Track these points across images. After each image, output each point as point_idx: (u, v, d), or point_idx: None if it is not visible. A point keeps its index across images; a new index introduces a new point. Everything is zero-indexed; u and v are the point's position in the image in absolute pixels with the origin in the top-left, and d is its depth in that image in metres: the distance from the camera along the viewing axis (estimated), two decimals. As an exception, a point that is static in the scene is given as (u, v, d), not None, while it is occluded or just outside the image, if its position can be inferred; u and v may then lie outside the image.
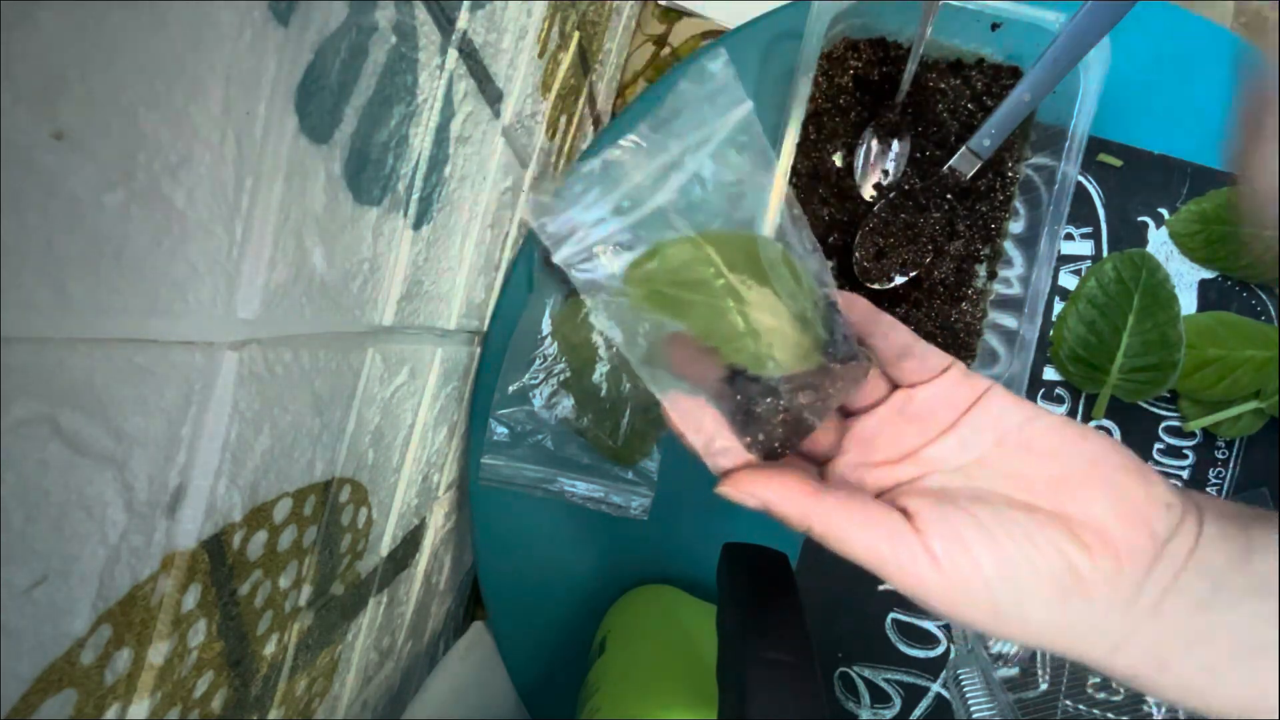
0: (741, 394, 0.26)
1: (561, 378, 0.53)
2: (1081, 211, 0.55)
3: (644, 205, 0.25)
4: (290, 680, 0.36)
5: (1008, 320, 0.51)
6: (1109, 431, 0.55)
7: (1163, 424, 0.55)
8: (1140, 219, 0.55)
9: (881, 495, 0.28)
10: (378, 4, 0.27)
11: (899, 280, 0.50)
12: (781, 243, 0.27)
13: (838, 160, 0.52)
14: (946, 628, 0.56)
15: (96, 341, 0.19)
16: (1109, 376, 0.52)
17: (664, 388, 0.27)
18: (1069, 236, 0.55)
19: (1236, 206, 0.52)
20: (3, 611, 0.18)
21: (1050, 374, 0.55)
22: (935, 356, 0.29)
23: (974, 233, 0.52)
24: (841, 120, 0.51)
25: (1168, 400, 0.55)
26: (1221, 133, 0.54)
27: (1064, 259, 0.55)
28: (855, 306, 0.28)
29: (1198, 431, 0.55)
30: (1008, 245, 0.52)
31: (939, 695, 0.56)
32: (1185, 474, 0.55)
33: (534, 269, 0.55)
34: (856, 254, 0.50)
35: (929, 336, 0.49)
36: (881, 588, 0.55)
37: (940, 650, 0.56)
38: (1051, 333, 0.54)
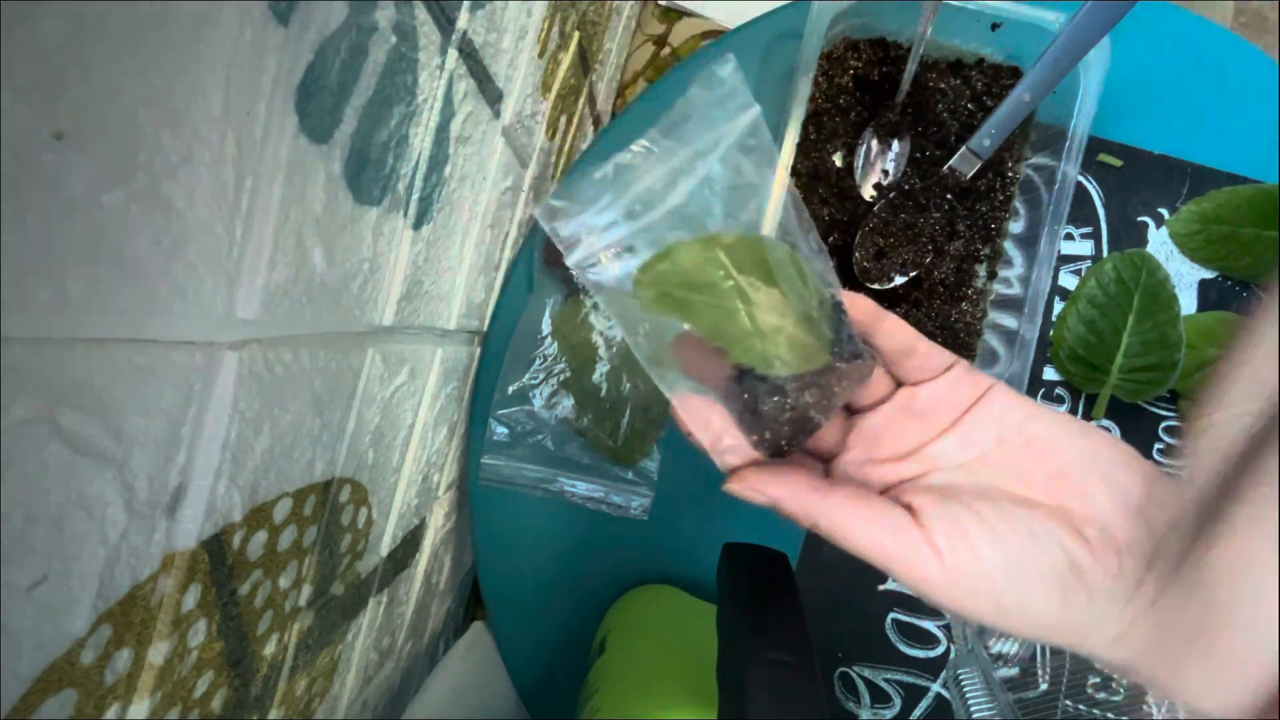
0: (749, 393, 0.27)
1: (561, 378, 0.53)
2: (1081, 211, 0.55)
3: (654, 209, 0.26)
4: (290, 680, 0.36)
5: (1008, 320, 0.51)
6: (1109, 431, 0.55)
7: (1163, 424, 0.55)
8: (1140, 219, 0.55)
9: (886, 492, 0.28)
10: (378, 4, 0.27)
11: (899, 280, 0.50)
12: (788, 244, 0.27)
13: (838, 160, 0.52)
14: (947, 628, 0.56)
15: (96, 341, 0.19)
16: (1109, 376, 0.52)
17: (673, 387, 0.27)
18: (1069, 236, 0.55)
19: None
20: (3, 611, 0.18)
21: (1050, 374, 0.55)
22: (938, 355, 0.29)
23: (974, 233, 0.52)
24: (841, 120, 0.51)
25: (1168, 400, 0.55)
26: (1221, 133, 0.54)
27: (1064, 259, 0.55)
28: (859, 306, 0.28)
29: (1198, 431, 0.55)
30: (1008, 245, 0.52)
31: (939, 695, 0.56)
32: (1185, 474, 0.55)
33: (534, 269, 0.55)
34: (856, 254, 0.50)
35: (929, 336, 0.49)
36: (881, 587, 0.55)
37: (940, 650, 0.56)
38: (1051, 333, 0.54)
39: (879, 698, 0.56)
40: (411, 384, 0.43)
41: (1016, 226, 0.52)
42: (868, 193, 0.52)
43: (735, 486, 0.27)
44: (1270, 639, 0.20)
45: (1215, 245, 0.53)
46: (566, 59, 0.58)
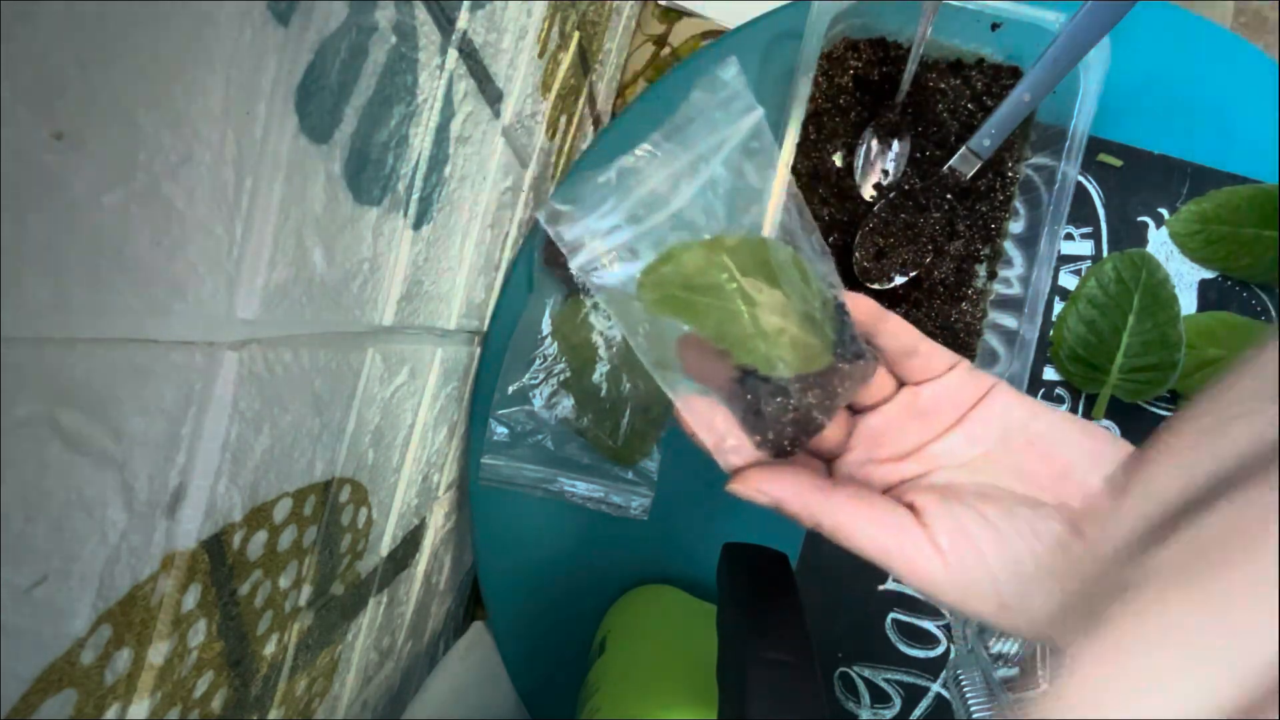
0: (752, 394, 0.27)
1: (561, 378, 0.53)
2: (1081, 211, 0.55)
3: (658, 212, 0.26)
4: (290, 680, 0.36)
5: (1008, 320, 0.51)
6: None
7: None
8: (1140, 219, 0.55)
9: (888, 491, 0.28)
10: (378, 4, 0.27)
11: (899, 280, 0.50)
12: (791, 246, 0.27)
13: (838, 160, 0.52)
14: (946, 628, 0.56)
15: (96, 341, 0.19)
16: (1109, 376, 0.52)
17: (676, 388, 0.28)
18: (1069, 236, 0.55)
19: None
20: (3, 611, 0.18)
21: (1050, 374, 0.55)
22: (941, 355, 0.29)
23: (974, 233, 0.52)
24: (841, 120, 0.51)
25: (1168, 400, 0.55)
26: (1221, 133, 0.54)
27: (1064, 259, 0.55)
28: (862, 307, 0.29)
29: (1198, 431, 0.55)
30: (1008, 245, 0.52)
31: (939, 695, 0.56)
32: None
33: (534, 269, 0.55)
34: (856, 254, 0.50)
35: (929, 336, 0.49)
36: (881, 587, 0.55)
37: (940, 650, 0.56)
38: (1051, 333, 0.54)
39: (879, 698, 0.56)
40: (411, 384, 0.43)
41: (1016, 226, 0.52)
42: (868, 193, 0.52)
43: (738, 487, 0.27)
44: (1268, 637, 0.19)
45: (1215, 245, 0.53)
46: (566, 59, 0.58)
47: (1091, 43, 0.44)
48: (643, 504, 0.54)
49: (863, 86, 0.51)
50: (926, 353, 0.29)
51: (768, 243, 0.26)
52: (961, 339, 0.52)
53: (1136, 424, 0.55)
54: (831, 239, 0.52)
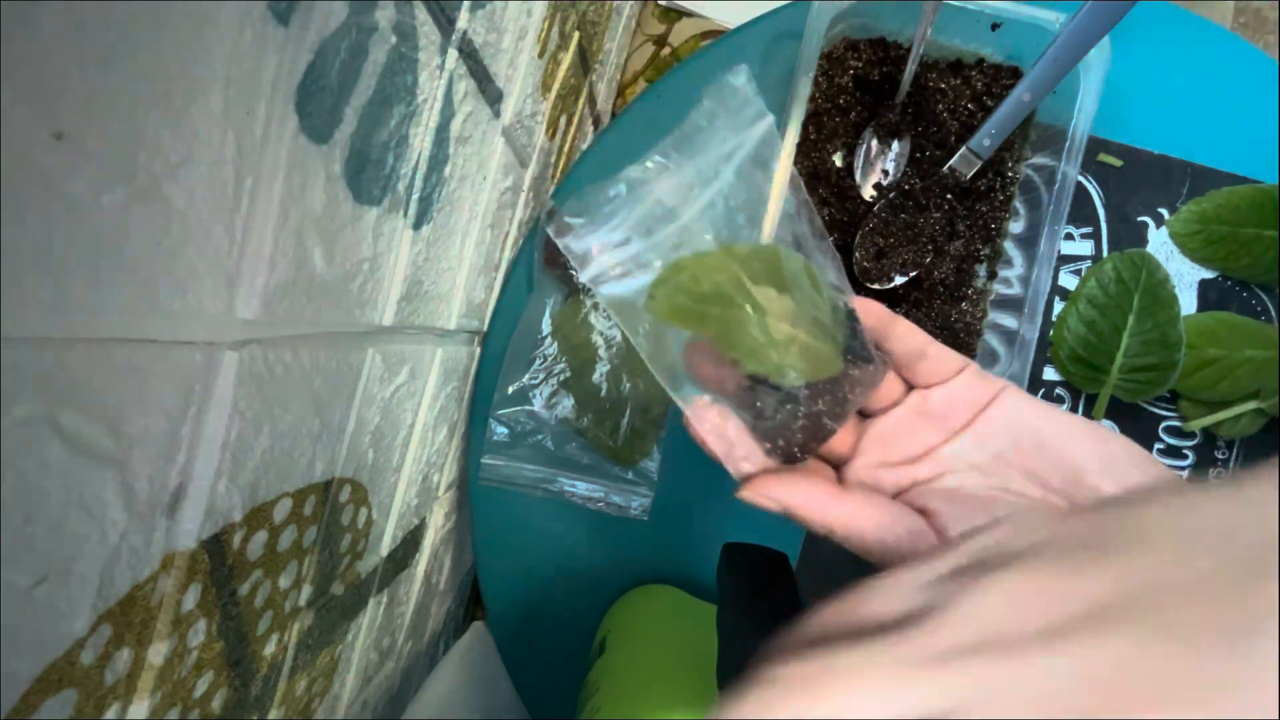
0: (762, 401, 0.27)
1: (561, 378, 0.53)
2: (1081, 211, 0.55)
3: (668, 223, 0.26)
4: (290, 680, 0.36)
5: (1008, 320, 0.51)
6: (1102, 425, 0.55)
7: (1163, 424, 0.55)
8: (1140, 219, 0.55)
9: (899, 495, 0.28)
10: (378, 4, 0.27)
11: (899, 280, 0.50)
12: (801, 254, 0.27)
13: (838, 160, 0.52)
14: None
15: (96, 341, 0.19)
16: (1109, 376, 0.52)
17: (686, 397, 0.28)
18: (1069, 236, 0.55)
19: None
20: (3, 611, 0.18)
21: (1050, 374, 0.55)
22: (950, 358, 0.29)
23: (974, 233, 0.52)
24: (841, 120, 0.51)
25: (1168, 400, 0.55)
26: (1221, 133, 0.54)
27: (1064, 259, 0.55)
28: (872, 312, 0.29)
29: (1198, 431, 0.55)
30: (1008, 245, 0.52)
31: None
32: (1185, 474, 0.55)
33: (534, 269, 0.55)
34: (856, 254, 0.50)
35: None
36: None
37: (940, 650, 0.56)
38: (1051, 333, 0.54)
39: (879, 698, 0.56)
40: (411, 384, 0.43)
41: (1016, 226, 0.52)
42: (868, 193, 0.51)
43: (749, 494, 0.27)
44: None
45: (1215, 245, 0.53)
46: (566, 59, 0.58)
47: (1091, 43, 0.44)
48: (643, 504, 0.54)
49: (863, 86, 0.51)
50: (936, 356, 0.29)
51: (779, 251, 0.26)
52: (961, 339, 0.52)
53: (1136, 424, 0.55)
54: (831, 239, 0.51)
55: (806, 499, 0.26)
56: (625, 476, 0.54)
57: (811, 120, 0.51)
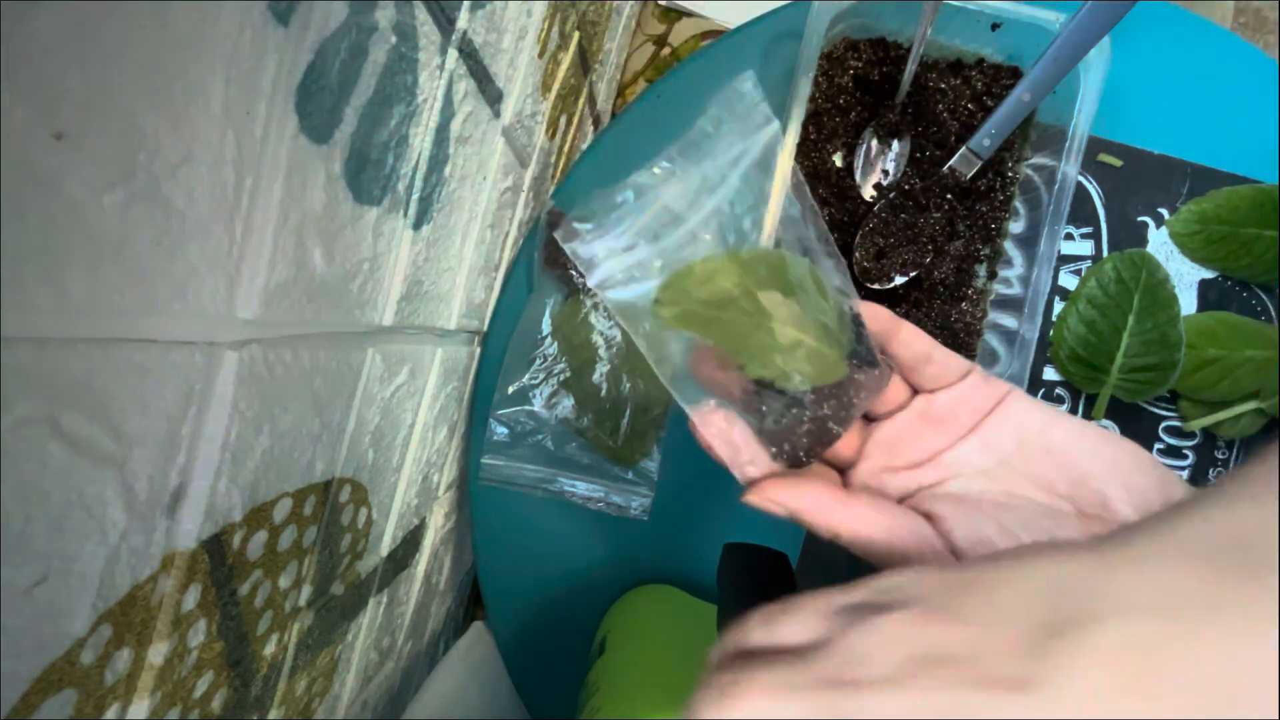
0: (768, 406, 0.27)
1: (561, 378, 0.53)
2: (1081, 211, 0.55)
3: (675, 228, 0.26)
4: (290, 680, 0.36)
5: (1008, 320, 0.51)
6: (1108, 430, 0.55)
7: (1163, 424, 0.55)
8: (1140, 219, 0.55)
9: (905, 500, 0.28)
10: (378, 4, 0.27)
11: (899, 280, 0.50)
12: (807, 258, 0.27)
13: (838, 160, 0.52)
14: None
15: (96, 341, 0.19)
16: (1109, 376, 0.52)
17: (692, 401, 0.28)
18: (1069, 236, 0.55)
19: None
20: (3, 611, 0.18)
21: (1050, 374, 0.55)
22: (955, 362, 0.29)
23: (974, 233, 0.52)
24: (841, 120, 0.51)
25: (1168, 400, 0.55)
26: (1221, 133, 0.54)
27: (1064, 259, 0.55)
28: (878, 317, 0.29)
29: (1198, 431, 0.55)
30: (1008, 245, 0.52)
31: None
32: (1185, 474, 0.55)
33: (534, 269, 0.55)
34: (856, 254, 0.50)
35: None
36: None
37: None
38: (1051, 333, 0.54)
39: (879, 698, 0.56)
40: (411, 384, 0.43)
41: (1016, 226, 0.52)
42: (868, 193, 0.52)
43: (755, 499, 0.27)
44: None
45: (1215, 245, 0.53)
46: (566, 59, 0.58)
47: (1091, 43, 0.44)
48: (643, 504, 0.54)
49: (863, 86, 0.51)
50: (941, 360, 0.29)
51: (784, 256, 0.27)
52: (961, 339, 0.52)
53: (1136, 424, 0.55)
54: (832, 239, 0.52)
55: (812, 503, 0.26)
56: (625, 476, 0.54)
57: (811, 120, 0.51)
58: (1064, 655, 0.16)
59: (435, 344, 0.45)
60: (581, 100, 0.68)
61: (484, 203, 0.46)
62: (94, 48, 0.17)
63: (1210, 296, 0.55)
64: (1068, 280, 0.55)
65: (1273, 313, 0.55)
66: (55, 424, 0.18)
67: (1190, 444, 0.55)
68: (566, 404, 0.53)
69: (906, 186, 0.50)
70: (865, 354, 0.28)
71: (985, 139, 0.48)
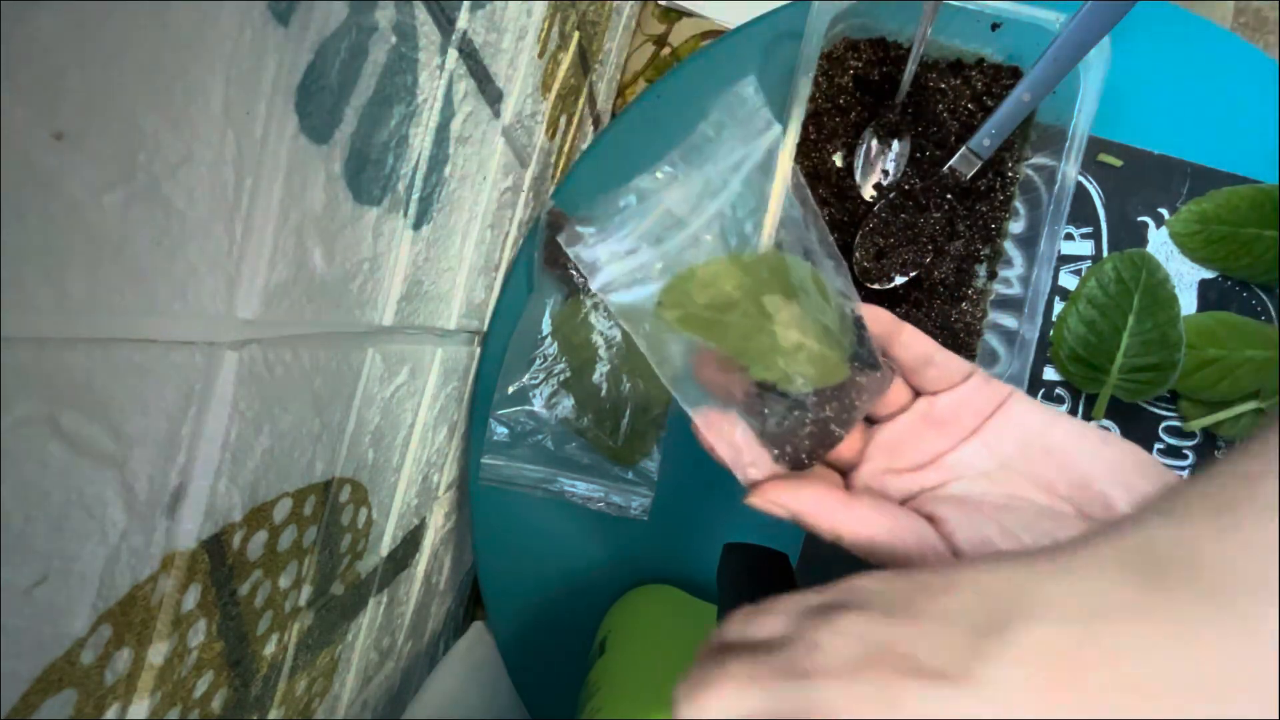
0: (770, 408, 0.27)
1: (561, 378, 0.53)
2: (1081, 211, 0.55)
3: (677, 232, 0.26)
4: (290, 680, 0.36)
5: (1008, 320, 0.51)
6: (1109, 431, 0.55)
7: (1163, 424, 0.55)
8: (1140, 219, 0.55)
9: (907, 502, 0.28)
10: (378, 4, 0.27)
11: (899, 280, 0.50)
12: (809, 262, 0.27)
13: (838, 160, 0.52)
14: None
15: (96, 341, 0.19)
16: (1109, 376, 0.52)
17: (695, 404, 0.28)
18: (1069, 236, 0.55)
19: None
20: (3, 611, 0.18)
21: (1050, 374, 0.55)
22: (957, 364, 0.29)
23: (974, 233, 0.52)
24: (841, 120, 0.51)
25: (1168, 400, 0.55)
26: (1221, 133, 0.54)
27: (1064, 259, 0.55)
28: (879, 319, 0.29)
29: (1198, 431, 0.55)
30: (1008, 245, 0.52)
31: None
32: (1185, 474, 0.55)
33: (534, 269, 0.55)
34: (856, 254, 0.50)
35: (929, 337, 0.49)
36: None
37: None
38: (1051, 333, 0.54)
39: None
40: (411, 384, 0.43)
41: (1016, 226, 0.52)
42: (868, 193, 0.52)
43: (757, 501, 0.27)
44: None
45: (1215, 245, 0.53)
46: (566, 59, 0.58)
47: (1091, 43, 0.44)
48: (643, 504, 0.54)
49: (863, 86, 0.51)
50: (942, 362, 0.29)
51: (786, 259, 0.27)
52: (961, 339, 0.52)
53: (1136, 424, 0.55)
54: (831, 239, 0.52)
55: (814, 505, 0.26)
56: (625, 476, 0.54)
57: (811, 120, 0.51)
58: (991, 653, 0.17)
59: (435, 344, 0.45)
60: (581, 100, 0.68)
61: (484, 203, 0.46)
62: (94, 48, 0.17)
63: (1210, 296, 0.55)
64: (1068, 280, 0.55)
65: (1273, 313, 0.55)
66: (55, 424, 0.18)
67: (1190, 444, 0.55)
68: (566, 404, 0.53)
69: (906, 186, 0.50)
70: (867, 356, 0.28)
71: (985, 139, 0.48)
